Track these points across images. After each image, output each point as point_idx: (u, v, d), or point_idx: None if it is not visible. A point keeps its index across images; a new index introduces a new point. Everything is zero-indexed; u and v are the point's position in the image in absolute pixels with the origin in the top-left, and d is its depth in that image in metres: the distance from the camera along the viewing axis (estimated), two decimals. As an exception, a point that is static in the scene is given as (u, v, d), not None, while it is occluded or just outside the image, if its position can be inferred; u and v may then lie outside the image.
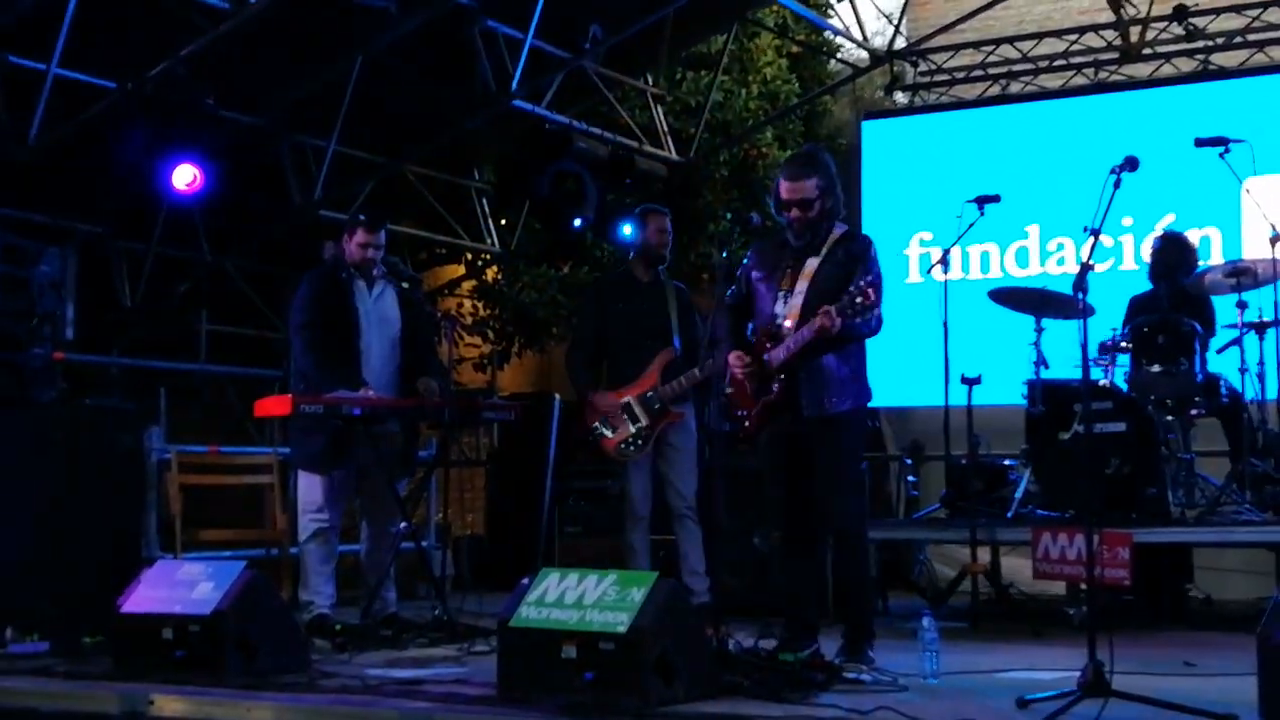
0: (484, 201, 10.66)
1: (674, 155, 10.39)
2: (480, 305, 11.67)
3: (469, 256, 11.46)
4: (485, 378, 11.47)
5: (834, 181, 5.59)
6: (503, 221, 10.86)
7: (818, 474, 5.46)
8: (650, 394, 7.05)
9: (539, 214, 10.26)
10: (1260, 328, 7.27)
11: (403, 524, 6.74)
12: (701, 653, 4.92)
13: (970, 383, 7.48)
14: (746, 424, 5.60)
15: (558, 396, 9.93)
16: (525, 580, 5.07)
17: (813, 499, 5.49)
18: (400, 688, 5.04)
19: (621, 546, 7.20)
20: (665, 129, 10.39)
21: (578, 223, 9.26)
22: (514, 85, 8.62)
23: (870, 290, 5.24)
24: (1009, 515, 7.44)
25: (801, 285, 5.50)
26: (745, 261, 5.85)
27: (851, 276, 5.39)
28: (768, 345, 5.49)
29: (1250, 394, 7.36)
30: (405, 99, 9.00)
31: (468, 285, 11.78)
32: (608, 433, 7.11)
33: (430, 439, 8.34)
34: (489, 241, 10.69)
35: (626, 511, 7.17)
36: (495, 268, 11.47)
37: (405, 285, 6.96)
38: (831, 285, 5.39)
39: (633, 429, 7.06)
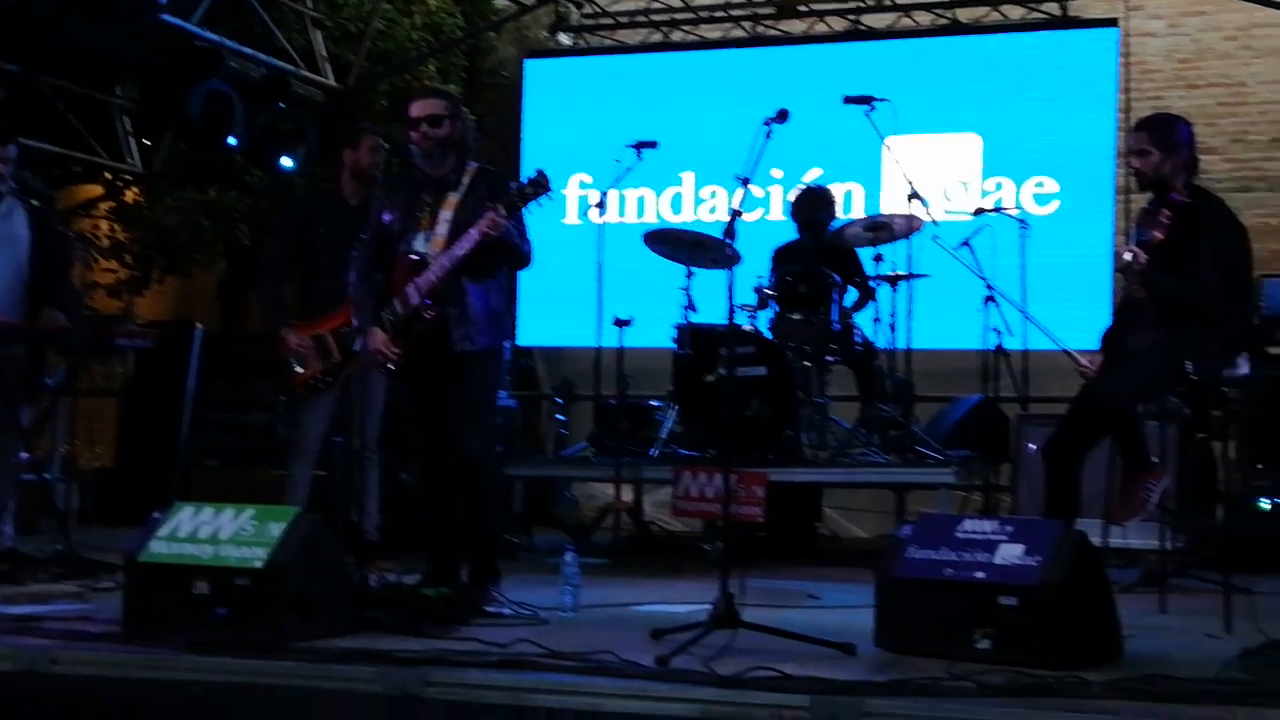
0: (126, 119, 10.11)
1: (332, 82, 10.11)
2: (119, 228, 11.10)
3: (108, 176, 10.87)
4: (121, 304, 10.94)
5: (464, 116, 5.57)
6: (146, 141, 10.33)
7: (456, 407, 5.42)
8: (345, 329, 6.59)
9: (185, 135, 9.80)
10: (894, 280, 7.63)
11: (24, 454, 6.35)
12: (342, 588, 4.84)
13: (622, 324, 7.59)
14: (389, 364, 5.49)
15: (199, 325, 9.54)
16: (156, 514, 4.87)
17: (453, 434, 5.45)
18: (16, 624, 4.76)
19: (286, 478, 6.93)
20: (324, 54, 10.09)
21: (232, 140, 8.86)
22: (162, -2, 8.21)
23: (530, 187, 5.24)
24: (653, 454, 7.60)
25: (445, 216, 5.42)
26: (377, 208, 5.68)
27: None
28: (414, 278, 5.38)
29: (882, 343, 7.73)
30: (43, 6, 8.42)
31: (105, 206, 11.18)
32: (298, 368, 6.70)
33: (59, 366, 7.89)
34: (130, 161, 10.16)
35: (297, 443, 6.84)
36: (136, 189, 10.92)
37: (36, 203, 6.52)
38: (476, 218, 5.29)
39: (324, 365, 6.65)
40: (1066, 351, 6.01)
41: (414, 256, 5.42)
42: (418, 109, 5.49)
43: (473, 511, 5.51)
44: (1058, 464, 5.69)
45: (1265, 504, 6.90)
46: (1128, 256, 5.55)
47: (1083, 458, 5.67)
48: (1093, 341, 6.00)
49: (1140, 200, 6.14)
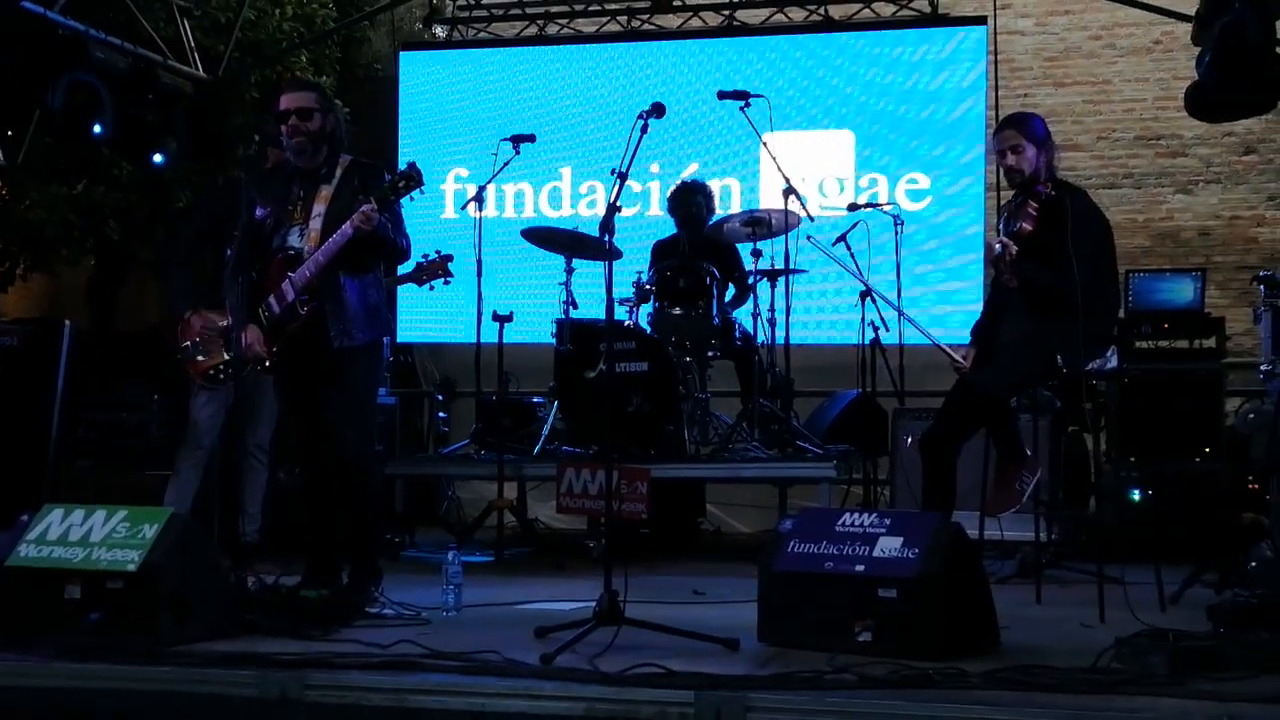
0: (-15, 110, 9.81)
1: (201, 73, 9.91)
2: (-20, 222, 10.77)
3: (-32, 169, 10.54)
4: (-16, 301, 10.64)
5: (336, 109, 5.55)
6: (8, 133, 10.02)
7: (334, 405, 5.36)
8: None
9: (49, 128, 9.53)
10: (773, 276, 7.69)
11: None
12: (219, 591, 4.78)
13: (502, 320, 7.55)
14: (266, 362, 5.42)
15: (68, 323, 9.30)
16: (25, 517, 4.75)
17: (332, 432, 5.39)
18: (-123, 636, 4.61)
19: (170, 475, 6.76)
20: (192, 44, 9.88)
21: (98, 129, 8.60)
22: (23, -16, 7.96)
23: (402, 180, 5.19)
24: (535, 451, 7.58)
25: (318, 210, 5.36)
26: (248, 203, 5.59)
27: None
28: (288, 273, 5.31)
29: (761, 338, 7.78)
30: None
31: (-34, 200, 10.84)
32: (199, 356, 6.56)
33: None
34: (-9, 154, 9.86)
35: (187, 438, 6.71)
36: (-1, 182, 10.61)
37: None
38: (349, 211, 5.25)
39: (226, 356, 6.49)
40: (940, 346, 6.10)
41: (289, 251, 5.35)
42: (287, 101, 5.43)
43: (352, 511, 5.45)
44: (935, 457, 5.77)
45: (1136, 495, 7.07)
46: (998, 248, 5.64)
47: (958, 450, 5.77)
48: (964, 336, 6.10)
49: (1009, 194, 6.24)
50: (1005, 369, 5.71)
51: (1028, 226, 5.62)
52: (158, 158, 8.31)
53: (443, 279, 6.67)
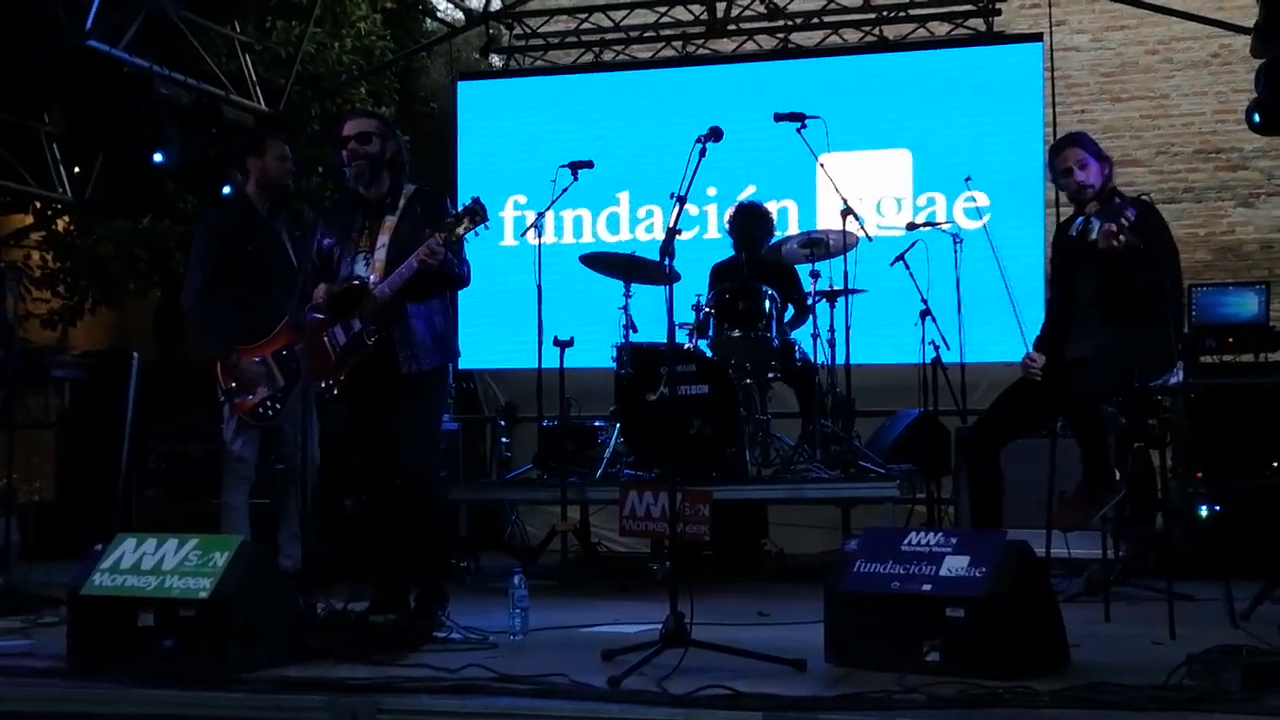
0: (55, 147, 9.99)
1: (263, 106, 10.05)
2: (50, 257, 10.96)
3: (38, 205, 10.73)
4: (55, 334, 10.81)
5: (397, 138, 5.59)
6: (76, 169, 10.21)
7: (402, 430, 5.40)
8: (285, 352, 6.32)
9: (115, 162, 9.70)
10: (832, 296, 7.68)
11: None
12: (289, 617, 4.82)
13: (562, 345, 7.59)
14: (334, 390, 5.48)
15: (135, 355, 9.44)
16: (99, 546, 4.82)
17: (398, 458, 5.42)
18: (-43, 664, 4.70)
19: (221, 506, 6.70)
20: (254, 79, 10.03)
21: (159, 157, 8.72)
22: (89, 23, 8.11)
23: (467, 216, 5.23)
24: (598, 475, 7.60)
25: (383, 240, 5.41)
26: (315, 233, 5.67)
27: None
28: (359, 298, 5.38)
29: (821, 359, 7.77)
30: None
31: (36, 235, 11.04)
32: (247, 396, 6.41)
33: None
34: (60, 190, 10.03)
35: (232, 471, 6.57)
36: (67, 217, 10.78)
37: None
38: (413, 240, 5.31)
39: (269, 391, 6.37)
40: (1029, 354, 5.93)
41: (355, 281, 5.41)
42: (348, 128, 5.51)
43: (419, 535, 5.48)
44: (973, 454, 5.73)
45: (1204, 510, 7.00)
46: (1113, 227, 5.28)
47: (998, 450, 5.70)
48: (1018, 354, 6.01)
49: (1068, 210, 6.17)
50: (1102, 369, 5.56)
51: (1132, 214, 5.38)
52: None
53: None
